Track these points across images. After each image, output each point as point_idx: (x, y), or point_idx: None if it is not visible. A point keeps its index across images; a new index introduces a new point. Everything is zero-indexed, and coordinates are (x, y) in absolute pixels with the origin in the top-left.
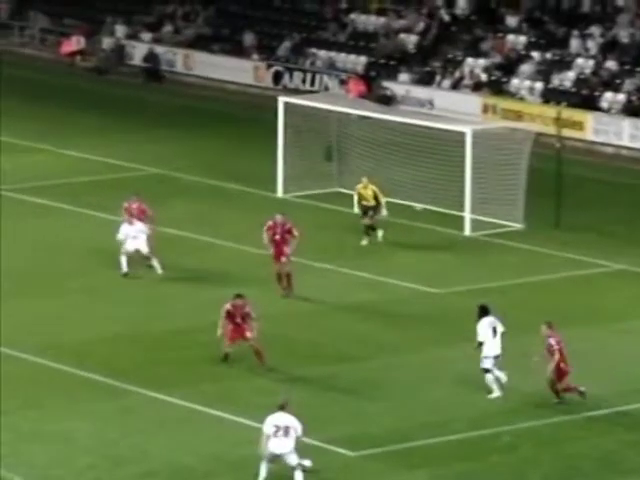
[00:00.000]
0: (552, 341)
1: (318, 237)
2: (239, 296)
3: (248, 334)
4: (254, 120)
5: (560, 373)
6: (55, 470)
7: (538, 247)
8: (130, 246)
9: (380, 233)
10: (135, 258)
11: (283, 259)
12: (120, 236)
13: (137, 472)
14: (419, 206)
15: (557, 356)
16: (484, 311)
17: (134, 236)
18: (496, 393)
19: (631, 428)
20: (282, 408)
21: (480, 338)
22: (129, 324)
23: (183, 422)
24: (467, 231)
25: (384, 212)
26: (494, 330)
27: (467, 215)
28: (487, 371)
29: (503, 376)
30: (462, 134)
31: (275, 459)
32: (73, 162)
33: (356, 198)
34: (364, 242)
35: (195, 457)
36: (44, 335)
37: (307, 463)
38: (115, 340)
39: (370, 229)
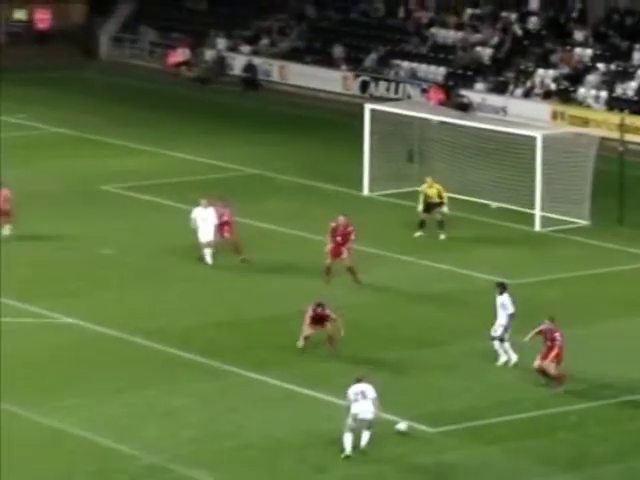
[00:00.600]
0: (557, 335)
1: (400, 232)
2: (319, 305)
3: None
4: (343, 125)
5: (558, 360)
6: (162, 442)
7: (603, 242)
8: (202, 237)
9: (442, 236)
10: (224, 248)
11: (344, 255)
12: (192, 216)
13: (235, 445)
14: (494, 204)
15: (557, 350)
16: (503, 288)
17: (203, 218)
18: (502, 358)
19: None
20: (359, 380)
21: (509, 310)
22: (228, 311)
23: (277, 400)
24: (537, 227)
25: (445, 209)
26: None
27: (537, 212)
28: (496, 339)
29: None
30: (533, 138)
31: (357, 420)
32: (179, 163)
33: (421, 197)
34: (418, 234)
35: (288, 432)
36: (153, 321)
37: (403, 426)
38: (216, 326)
39: (439, 226)
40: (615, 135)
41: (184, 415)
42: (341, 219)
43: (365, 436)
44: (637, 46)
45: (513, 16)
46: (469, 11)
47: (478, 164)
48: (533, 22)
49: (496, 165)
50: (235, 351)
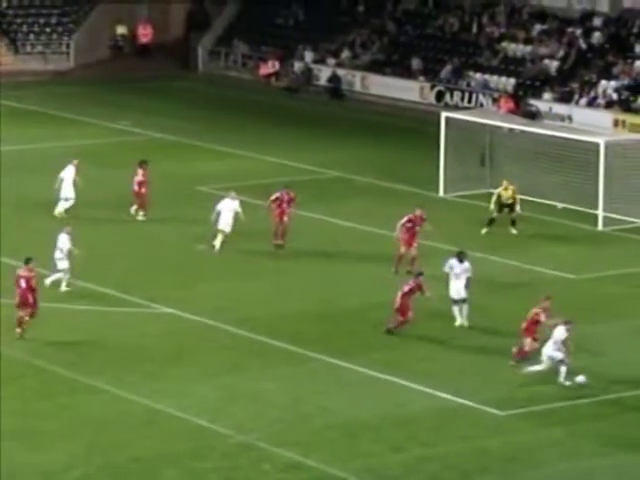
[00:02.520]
0: (542, 316)
1: (472, 230)
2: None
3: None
4: (420, 132)
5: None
6: (251, 422)
7: None
8: (223, 225)
9: (514, 231)
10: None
11: (414, 245)
12: (218, 207)
13: (318, 425)
14: (560, 205)
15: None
16: (458, 254)
17: (230, 209)
18: (458, 321)
19: None
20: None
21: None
22: (312, 302)
23: (358, 384)
24: (600, 226)
25: (518, 208)
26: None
27: (600, 212)
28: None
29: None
30: (596, 144)
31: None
32: (270, 166)
33: (495, 197)
34: (484, 230)
35: (367, 414)
36: (243, 310)
37: (582, 379)
38: (301, 315)
39: (512, 223)
40: None
41: (271, 397)
42: (418, 211)
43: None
44: None
45: (578, 31)
46: (537, 27)
47: (545, 168)
48: (596, 37)
49: (562, 169)
50: (319, 339)
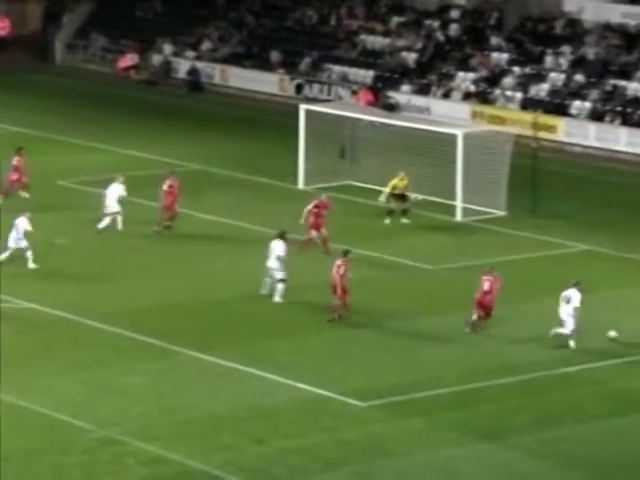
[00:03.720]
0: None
1: (331, 221)
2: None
3: None
4: (280, 125)
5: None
6: (114, 417)
7: (518, 231)
8: (110, 209)
9: (406, 221)
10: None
11: (322, 229)
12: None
13: (181, 419)
14: (418, 196)
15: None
16: (281, 235)
17: (116, 193)
18: (264, 291)
19: (602, 381)
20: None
21: (280, 253)
22: (176, 295)
23: (221, 377)
24: (458, 217)
25: (412, 197)
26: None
27: (458, 204)
28: (281, 280)
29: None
30: (454, 136)
31: None
32: (129, 159)
33: (389, 188)
34: (387, 221)
35: (229, 406)
36: (106, 304)
37: (613, 334)
38: (164, 309)
39: (403, 213)
40: (529, 133)
41: (135, 392)
42: (323, 197)
43: None
44: (549, 51)
45: (435, 24)
46: (395, 19)
47: (404, 159)
48: (454, 29)
49: (420, 160)
50: (182, 332)
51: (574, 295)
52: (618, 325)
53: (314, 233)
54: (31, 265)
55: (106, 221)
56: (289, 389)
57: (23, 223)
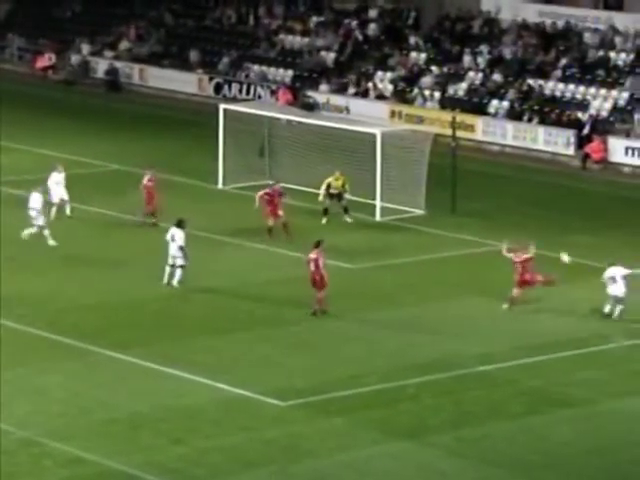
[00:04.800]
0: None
1: (252, 221)
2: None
3: None
4: (198, 124)
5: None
6: (33, 417)
7: (437, 230)
8: (55, 198)
9: (349, 219)
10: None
11: (280, 214)
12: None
13: (101, 419)
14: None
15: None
16: (180, 224)
17: (57, 182)
18: (164, 280)
19: (517, 381)
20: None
21: (181, 242)
22: (91, 295)
23: (138, 377)
24: (378, 216)
25: (347, 196)
26: (172, 238)
27: (377, 203)
28: (181, 266)
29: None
30: (373, 135)
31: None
32: (46, 160)
33: (324, 186)
34: (324, 221)
35: (148, 406)
36: (22, 305)
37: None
38: (80, 308)
39: (345, 211)
40: (448, 132)
41: (52, 392)
42: (276, 186)
43: None
44: (467, 50)
45: (354, 23)
46: (314, 19)
47: (323, 158)
48: (372, 29)
49: (339, 159)
50: (98, 332)
51: (618, 272)
52: (536, 325)
53: (271, 221)
54: (51, 242)
55: (54, 209)
56: (208, 389)
57: (36, 199)
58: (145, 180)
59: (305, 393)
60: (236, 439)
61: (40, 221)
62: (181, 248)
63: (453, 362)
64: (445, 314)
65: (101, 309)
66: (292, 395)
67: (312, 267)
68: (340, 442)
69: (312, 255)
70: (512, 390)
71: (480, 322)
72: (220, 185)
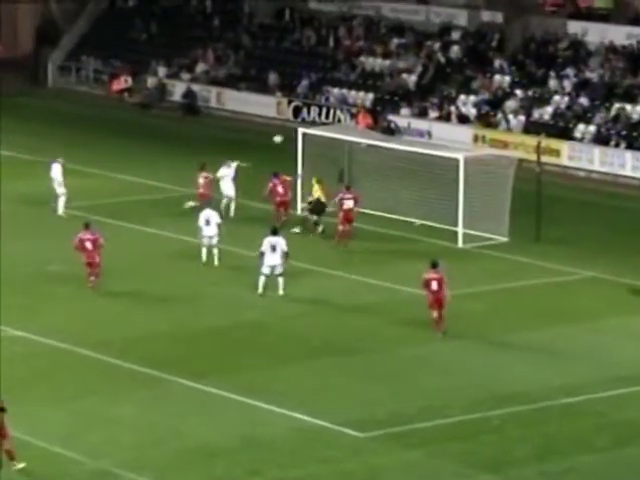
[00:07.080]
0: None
1: (332, 248)
2: None
3: None
4: (277, 148)
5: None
6: (105, 447)
7: (521, 257)
8: (59, 190)
9: (320, 228)
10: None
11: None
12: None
13: (173, 449)
14: (418, 222)
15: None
16: (274, 232)
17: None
18: (260, 290)
19: (603, 413)
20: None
21: (262, 249)
22: (164, 323)
23: (213, 407)
24: (460, 243)
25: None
26: (273, 247)
27: (460, 229)
28: (263, 274)
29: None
30: (456, 160)
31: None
32: (122, 184)
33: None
34: (319, 229)
35: (223, 436)
36: (95, 333)
37: (278, 139)
38: (152, 337)
39: (316, 224)
40: (532, 157)
41: (125, 422)
42: (282, 177)
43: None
44: (552, 73)
45: (436, 45)
46: (395, 40)
47: (404, 184)
48: (455, 51)
49: (421, 185)
50: (172, 361)
51: None
52: (622, 355)
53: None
54: (60, 211)
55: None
56: (285, 419)
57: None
58: (201, 179)
59: (385, 424)
60: (313, 470)
61: (61, 190)
62: (285, 254)
63: (536, 393)
64: (529, 343)
65: (174, 337)
66: (371, 426)
67: (434, 286)
68: (420, 474)
69: (434, 275)
70: (598, 422)
71: (564, 352)
72: (299, 211)
